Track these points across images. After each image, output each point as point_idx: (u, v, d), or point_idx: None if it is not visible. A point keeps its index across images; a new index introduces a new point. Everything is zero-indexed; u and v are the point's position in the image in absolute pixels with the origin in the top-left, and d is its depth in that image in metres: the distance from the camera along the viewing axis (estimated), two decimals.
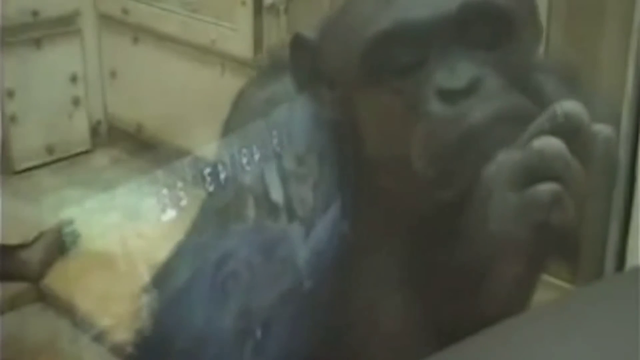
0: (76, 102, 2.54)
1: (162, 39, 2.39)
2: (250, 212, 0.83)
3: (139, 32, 2.46)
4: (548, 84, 0.78)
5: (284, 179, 0.82)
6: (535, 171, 0.67)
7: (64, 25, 2.49)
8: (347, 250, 0.81)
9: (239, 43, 2.18)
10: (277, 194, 0.81)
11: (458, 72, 0.73)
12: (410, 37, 0.75)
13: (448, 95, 0.73)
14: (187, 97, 2.34)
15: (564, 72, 0.84)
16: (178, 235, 0.86)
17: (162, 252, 0.85)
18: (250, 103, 0.88)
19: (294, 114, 0.84)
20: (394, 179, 0.78)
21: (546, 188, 0.66)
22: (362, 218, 0.81)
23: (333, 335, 0.79)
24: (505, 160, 0.69)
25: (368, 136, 0.79)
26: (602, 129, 0.69)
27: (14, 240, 1.92)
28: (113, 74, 2.58)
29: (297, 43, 0.82)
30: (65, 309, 1.87)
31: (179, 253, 0.85)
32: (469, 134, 0.72)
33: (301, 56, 0.82)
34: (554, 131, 0.67)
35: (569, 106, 0.67)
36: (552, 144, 0.67)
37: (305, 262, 0.80)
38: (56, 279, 1.90)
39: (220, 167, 0.83)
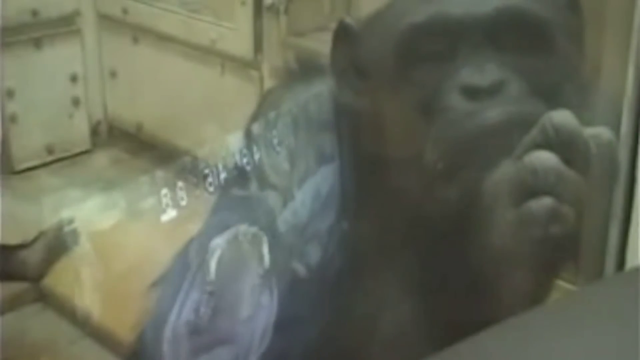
0: (76, 102, 2.54)
1: (162, 39, 2.39)
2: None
3: (139, 32, 2.46)
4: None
5: (252, 143, 0.82)
6: (529, 186, 0.67)
7: (64, 25, 2.49)
8: (343, 244, 0.81)
9: (239, 43, 2.17)
10: (247, 160, 0.82)
11: (485, 71, 0.74)
12: (442, 31, 0.76)
13: (470, 92, 0.74)
14: (187, 97, 2.34)
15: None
16: (178, 234, 0.86)
17: (163, 250, 0.86)
18: (274, 103, 0.88)
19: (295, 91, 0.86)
20: (405, 174, 0.78)
21: (540, 204, 0.66)
22: (364, 212, 0.82)
23: (322, 327, 0.79)
24: (502, 175, 0.69)
25: (384, 129, 0.80)
26: (600, 132, 0.69)
27: (14, 240, 1.92)
28: (113, 74, 2.58)
29: (341, 30, 0.84)
30: (65, 309, 1.87)
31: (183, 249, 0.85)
32: (482, 132, 0.72)
33: (342, 43, 0.83)
34: (546, 144, 0.67)
35: (559, 118, 0.67)
36: (543, 158, 0.67)
37: (282, 237, 0.80)
38: (56, 279, 1.90)
39: (220, 167, 0.83)
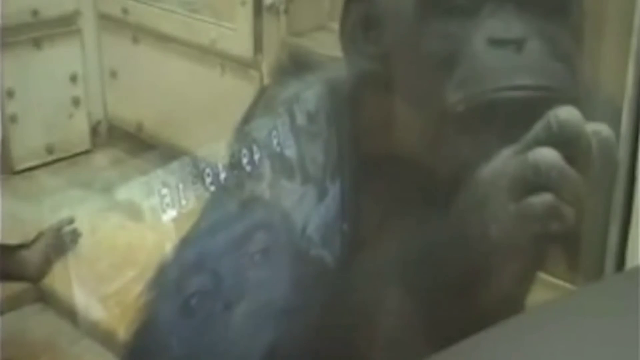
0: (76, 102, 2.54)
1: (162, 39, 2.39)
2: (266, 171, 0.83)
3: (139, 32, 2.46)
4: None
5: (297, 136, 0.83)
6: (530, 182, 0.67)
7: (64, 25, 2.49)
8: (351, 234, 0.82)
9: (239, 43, 2.17)
10: (290, 151, 0.83)
11: (510, 26, 0.75)
12: None
13: (497, 43, 0.75)
14: (187, 97, 2.34)
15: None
16: (178, 233, 0.86)
17: (162, 250, 0.85)
18: (271, 99, 0.89)
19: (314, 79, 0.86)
20: (416, 131, 0.79)
21: (540, 200, 0.67)
22: (367, 195, 0.82)
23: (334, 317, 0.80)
24: (502, 168, 0.69)
25: (396, 90, 0.80)
26: (601, 129, 0.69)
27: (14, 240, 1.92)
28: (113, 74, 2.58)
29: None
30: (65, 309, 1.87)
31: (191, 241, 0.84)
32: (508, 84, 0.74)
33: (354, 5, 0.84)
34: (549, 141, 0.67)
35: (563, 114, 0.68)
36: (546, 155, 0.67)
37: (316, 230, 0.81)
38: (56, 279, 1.90)
39: (220, 166, 0.83)
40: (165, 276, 0.84)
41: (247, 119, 0.90)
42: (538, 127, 0.68)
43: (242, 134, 0.87)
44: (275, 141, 0.83)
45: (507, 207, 0.68)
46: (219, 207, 0.86)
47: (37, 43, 2.44)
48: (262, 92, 0.94)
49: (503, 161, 0.69)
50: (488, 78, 0.74)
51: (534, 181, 0.67)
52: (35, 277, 1.91)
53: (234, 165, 0.84)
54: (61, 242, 1.78)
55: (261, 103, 0.91)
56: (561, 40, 0.78)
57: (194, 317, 0.80)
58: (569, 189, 0.67)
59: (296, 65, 0.91)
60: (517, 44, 0.75)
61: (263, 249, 0.81)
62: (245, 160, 0.84)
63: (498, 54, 0.75)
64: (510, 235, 0.68)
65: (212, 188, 0.84)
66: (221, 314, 0.80)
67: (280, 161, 0.83)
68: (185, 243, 0.84)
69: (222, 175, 0.84)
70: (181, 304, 0.81)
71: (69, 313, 1.83)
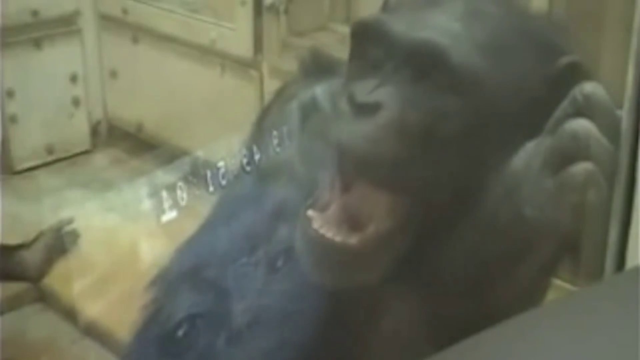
0: (76, 102, 2.54)
1: (162, 39, 2.39)
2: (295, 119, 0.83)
3: (139, 32, 2.46)
4: None
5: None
6: (570, 153, 0.67)
7: (64, 25, 2.49)
8: None
9: (239, 43, 2.17)
10: (322, 90, 0.84)
11: (371, 90, 0.73)
12: (379, 41, 0.75)
13: (350, 101, 0.73)
14: (187, 97, 2.34)
15: None
16: (178, 234, 0.85)
17: (161, 251, 0.85)
18: (292, 97, 0.88)
19: None
20: None
21: (581, 168, 0.66)
22: None
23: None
24: (533, 151, 0.68)
25: None
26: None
27: (14, 240, 1.92)
28: (113, 74, 2.58)
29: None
30: (65, 309, 1.87)
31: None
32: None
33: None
34: (578, 114, 0.67)
35: (588, 88, 0.68)
36: (582, 124, 0.67)
37: None
38: (56, 279, 1.90)
39: (221, 165, 0.83)
40: (151, 293, 0.74)
41: (265, 114, 0.89)
42: (564, 103, 0.68)
43: (260, 128, 0.86)
44: (310, 98, 0.82)
45: (543, 184, 0.67)
46: (229, 194, 0.80)
47: (37, 43, 2.44)
48: (281, 90, 0.93)
49: (532, 146, 0.69)
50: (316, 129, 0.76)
51: (572, 151, 0.67)
52: (35, 277, 1.91)
53: (247, 162, 0.83)
54: (61, 242, 1.77)
55: (280, 100, 0.90)
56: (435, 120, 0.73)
57: (180, 356, 0.70)
58: (605, 159, 0.67)
59: (317, 65, 0.90)
60: (362, 109, 0.72)
61: (286, 249, 0.71)
62: (258, 157, 0.83)
63: (349, 109, 0.73)
64: (550, 208, 0.68)
65: (212, 189, 0.83)
66: (222, 351, 0.71)
67: (310, 103, 0.81)
68: (180, 246, 0.76)
69: (225, 175, 0.84)
70: (162, 335, 0.70)
71: (69, 313, 1.83)
